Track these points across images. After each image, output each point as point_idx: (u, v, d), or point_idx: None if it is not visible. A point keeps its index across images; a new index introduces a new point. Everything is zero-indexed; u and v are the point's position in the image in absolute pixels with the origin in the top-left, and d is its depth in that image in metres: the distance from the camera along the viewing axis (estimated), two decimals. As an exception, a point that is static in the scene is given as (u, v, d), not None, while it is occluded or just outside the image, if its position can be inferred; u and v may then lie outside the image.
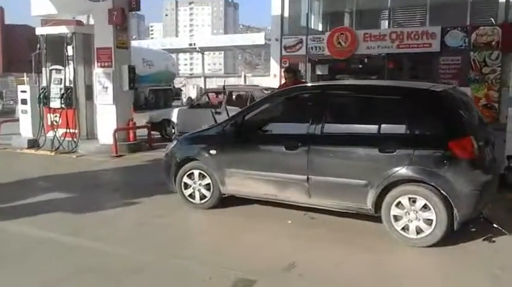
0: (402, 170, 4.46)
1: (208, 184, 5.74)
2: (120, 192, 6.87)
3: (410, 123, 4.55)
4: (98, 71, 10.24)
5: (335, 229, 5.00)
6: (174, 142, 6.23)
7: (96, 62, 10.28)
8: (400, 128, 4.60)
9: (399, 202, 4.52)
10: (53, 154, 10.17)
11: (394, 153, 4.51)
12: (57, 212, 5.77)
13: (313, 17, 21.73)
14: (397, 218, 4.55)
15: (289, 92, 5.72)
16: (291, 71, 7.96)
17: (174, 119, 12.04)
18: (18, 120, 11.86)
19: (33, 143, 10.88)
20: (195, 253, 4.40)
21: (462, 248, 4.38)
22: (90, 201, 6.35)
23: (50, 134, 10.65)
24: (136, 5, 10.32)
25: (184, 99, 33.63)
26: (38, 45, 10.83)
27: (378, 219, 4.80)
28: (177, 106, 30.21)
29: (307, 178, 4.98)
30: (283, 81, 18.65)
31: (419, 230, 4.44)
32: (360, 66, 19.58)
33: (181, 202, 5.96)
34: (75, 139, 10.43)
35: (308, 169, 4.96)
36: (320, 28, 21.96)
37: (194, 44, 37.75)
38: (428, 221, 4.38)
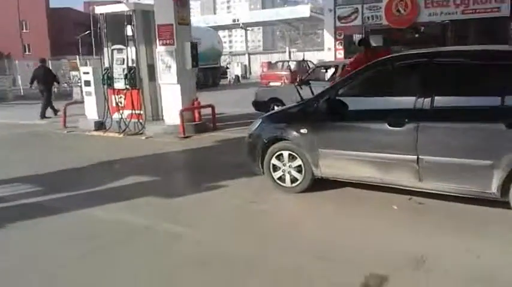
0: (537, 150, 3.95)
1: (299, 166, 5.40)
2: (202, 175, 6.64)
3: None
4: (160, 49, 10.01)
5: (452, 216, 4.53)
6: (259, 121, 5.87)
7: (158, 40, 10.05)
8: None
9: (532, 185, 4.03)
10: (121, 135, 10.13)
11: (527, 129, 4.00)
12: (145, 196, 5.59)
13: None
14: (528, 203, 4.07)
15: (387, 62, 5.21)
16: (367, 43, 7.33)
17: (283, 97, 11.12)
18: (82, 102, 11.93)
19: (99, 125, 10.90)
20: (305, 245, 4.04)
21: None
22: (175, 185, 6.20)
23: (116, 115, 10.61)
24: (197, -20, 9.94)
25: (231, 78, 33.35)
26: (98, 25, 10.72)
27: (498, 204, 4.34)
28: (224, 85, 30.29)
29: (417, 158, 4.53)
30: (339, 55, 18.19)
31: (556, 216, 3.96)
32: (417, 35, 18.67)
33: (268, 185, 5.67)
34: (141, 120, 10.34)
35: (418, 148, 4.50)
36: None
37: (238, 20, 37.29)
38: None
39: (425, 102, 4.48)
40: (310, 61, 24.11)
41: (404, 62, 5.11)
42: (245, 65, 42.71)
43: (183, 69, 9.93)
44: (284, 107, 6.14)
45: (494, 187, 4.20)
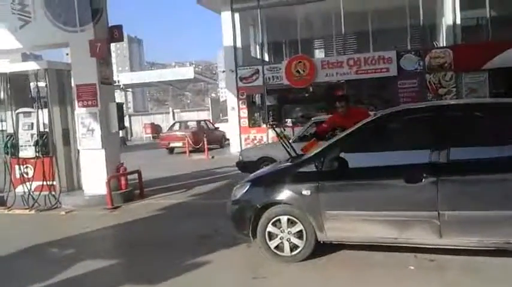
0: None
1: (299, 231, 4.89)
2: (168, 252, 5.67)
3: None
4: (80, 111, 8.90)
5: (473, 271, 4.37)
6: (247, 185, 5.27)
7: (76, 102, 8.94)
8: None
9: (558, 231, 4.08)
10: (32, 212, 8.55)
11: (550, 176, 4.09)
12: (122, 285, 4.56)
13: (257, 47, 21.69)
14: (556, 249, 4.10)
15: (396, 116, 5.12)
16: (343, 99, 6.98)
17: (278, 156, 9.95)
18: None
19: (-1, 202, 9.12)
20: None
21: None
22: (146, 268, 5.16)
23: (20, 188, 9.02)
24: (119, 36, 9.19)
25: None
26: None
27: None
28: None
29: (438, 214, 4.37)
30: (243, 113, 18.23)
31: None
32: (307, 94, 19.63)
33: (258, 255, 5.09)
34: (53, 192, 8.90)
35: (438, 203, 4.36)
36: (266, 58, 21.96)
37: (118, 81, 35.96)
38: None
39: (441, 155, 4.40)
40: (208, 121, 23.87)
41: (415, 116, 5.04)
42: (126, 127, 40.92)
43: (108, 132, 8.91)
44: (274, 167, 5.62)
45: (520, 237, 4.18)
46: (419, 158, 4.54)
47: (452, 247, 4.53)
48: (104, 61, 8.96)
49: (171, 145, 19.75)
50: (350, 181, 4.76)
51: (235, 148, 18.21)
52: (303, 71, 17.22)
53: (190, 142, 18.53)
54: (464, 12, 16.85)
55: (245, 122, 18.26)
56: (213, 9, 19.86)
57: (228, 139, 22.44)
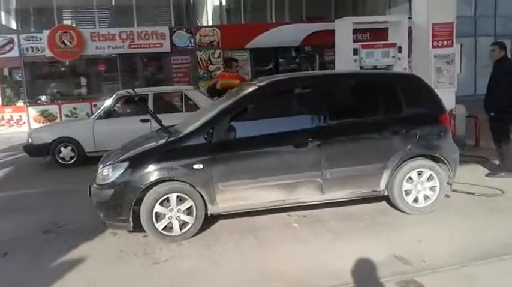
0: (413, 148, 4.99)
1: (189, 208, 4.66)
2: (18, 256, 4.51)
3: (409, 104, 5.09)
4: None
5: (344, 219, 5.03)
6: (123, 165, 4.58)
7: None
8: (401, 110, 5.07)
9: (409, 177, 5.03)
10: None
11: (404, 133, 4.98)
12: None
13: (3, 14, 18.56)
14: (407, 192, 5.05)
15: (276, 86, 5.22)
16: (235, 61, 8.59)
17: (80, 136, 8.76)
18: None
19: None
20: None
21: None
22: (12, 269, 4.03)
23: None
24: None
25: None
26: None
27: (367, 200, 5.24)
28: None
29: (321, 173, 4.83)
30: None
31: (426, 198, 5.09)
32: (63, 69, 18.02)
33: (136, 242, 4.71)
34: None
35: (322, 163, 4.81)
36: (14, 26, 18.97)
37: None
38: (433, 188, 5.08)
39: (321, 120, 4.85)
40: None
41: (293, 85, 5.30)
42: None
43: None
44: (149, 142, 4.98)
45: (382, 185, 5.04)
46: (303, 124, 4.88)
47: (328, 201, 5.08)
48: None
49: None
50: (243, 151, 4.74)
51: (-15, 131, 15.34)
52: (70, 42, 15.57)
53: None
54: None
55: (-3, 100, 15.48)
56: None
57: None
